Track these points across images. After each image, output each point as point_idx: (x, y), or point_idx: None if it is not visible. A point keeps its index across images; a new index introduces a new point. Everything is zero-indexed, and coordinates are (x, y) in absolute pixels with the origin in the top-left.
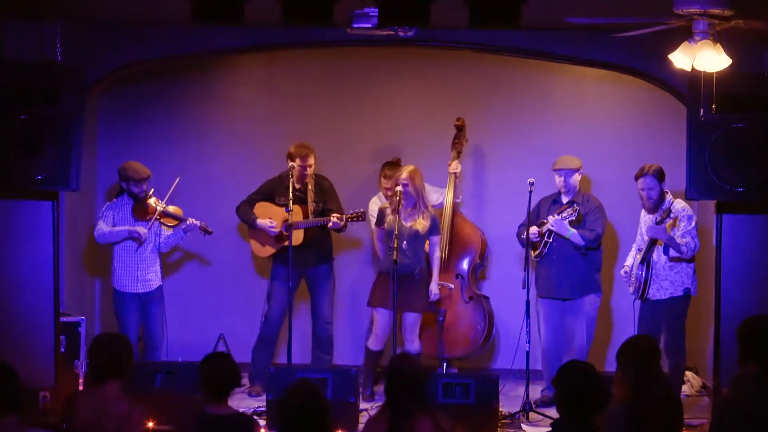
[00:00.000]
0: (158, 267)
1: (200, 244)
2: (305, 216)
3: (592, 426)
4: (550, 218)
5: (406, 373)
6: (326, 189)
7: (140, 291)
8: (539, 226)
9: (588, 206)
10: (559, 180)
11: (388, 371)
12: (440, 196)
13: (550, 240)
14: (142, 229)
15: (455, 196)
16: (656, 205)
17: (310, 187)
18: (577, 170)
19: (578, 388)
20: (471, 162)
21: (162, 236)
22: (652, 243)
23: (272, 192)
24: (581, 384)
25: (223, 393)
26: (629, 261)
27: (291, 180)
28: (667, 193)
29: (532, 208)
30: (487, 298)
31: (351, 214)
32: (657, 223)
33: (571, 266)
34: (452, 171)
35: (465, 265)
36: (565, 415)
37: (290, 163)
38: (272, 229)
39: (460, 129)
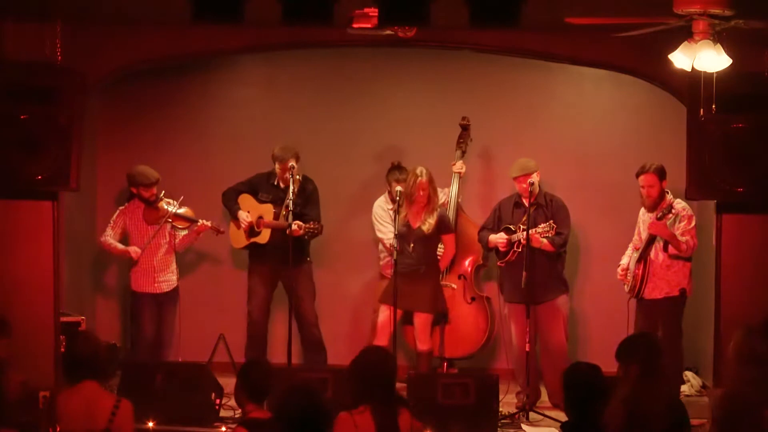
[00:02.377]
0: (174, 267)
1: (199, 244)
2: (276, 216)
3: (601, 427)
4: (522, 233)
5: (379, 366)
6: (308, 193)
7: (156, 292)
8: (506, 232)
9: (553, 207)
10: (521, 186)
11: (358, 367)
12: (443, 195)
13: (519, 249)
14: (134, 249)
15: (457, 195)
16: (655, 203)
17: (292, 188)
18: (535, 171)
19: (587, 389)
20: (468, 162)
21: (177, 237)
22: (651, 240)
23: (258, 187)
24: (590, 385)
25: (263, 398)
26: (624, 261)
27: (292, 180)
28: (668, 192)
29: (492, 212)
30: (489, 298)
31: (309, 226)
32: (658, 219)
33: (540, 269)
34: (456, 170)
35: (468, 265)
36: (574, 417)
37: (290, 164)
38: (244, 223)
39: (465, 128)
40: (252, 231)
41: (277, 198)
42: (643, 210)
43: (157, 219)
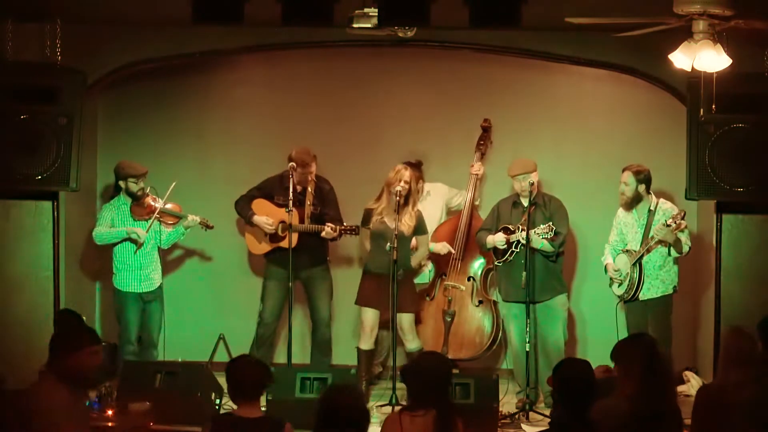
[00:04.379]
0: (159, 265)
1: (200, 243)
2: (301, 219)
3: (591, 423)
4: (521, 233)
5: (440, 370)
6: (326, 193)
7: (142, 290)
8: (505, 232)
9: (551, 207)
10: (519, 185)
11: (419, 370)
12: (459, 197)
13: (517, 249)
14: (140, 231)
15: (474, 198)
16: (629, 202)
17: (309, 190)
18: (533, 171)
19: (577, 385)
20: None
21: (163, 234)
22: (653, 245)
23: (272, 190)
24: (580, 381)
25: (255, 396)
26: (608, 259)
27: (291, 181)
28: (651, 194)
29: (490, 212)
30: (496, 303)
31: (346, 227)
32: (665, 226)
33: (539, 269)
34: (474, 172)
35: (478, 268)
36: (564, 412)
37: (290, 164)
38: (268, 227)
39: (486, 130)
40: (275, 235)
41: (294, 201)
42: (622, 212)
43: (145, 214)
